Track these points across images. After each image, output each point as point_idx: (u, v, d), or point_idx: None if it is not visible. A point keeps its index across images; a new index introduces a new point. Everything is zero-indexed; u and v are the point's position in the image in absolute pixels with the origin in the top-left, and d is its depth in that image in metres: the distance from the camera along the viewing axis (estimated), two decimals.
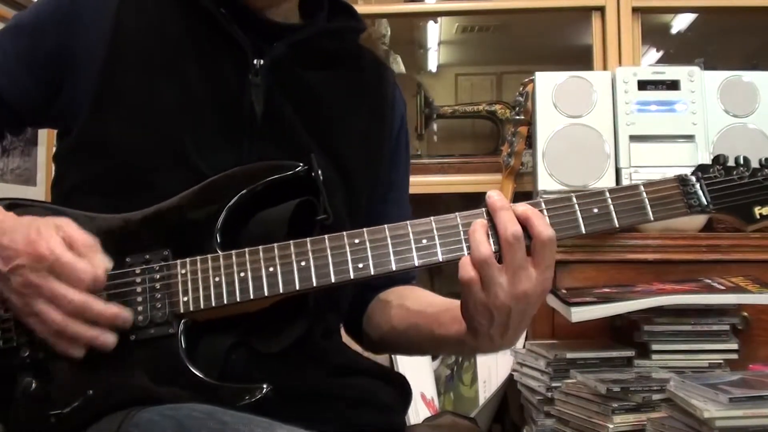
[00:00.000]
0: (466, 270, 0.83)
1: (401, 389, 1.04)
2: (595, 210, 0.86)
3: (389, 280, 1.08)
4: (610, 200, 0.87)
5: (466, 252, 0.86)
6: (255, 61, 0.96)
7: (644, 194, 0.87)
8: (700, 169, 0.90)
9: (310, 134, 0.97)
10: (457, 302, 0.92)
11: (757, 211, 0.89)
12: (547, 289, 0.86)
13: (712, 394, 1.22)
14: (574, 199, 0.87)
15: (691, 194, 0.88)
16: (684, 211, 0.88)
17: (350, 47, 1.08)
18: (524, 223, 0.83)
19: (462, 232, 0.86)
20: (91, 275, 0.81)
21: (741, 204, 0.89)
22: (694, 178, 0.89)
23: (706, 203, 0.89)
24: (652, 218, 0.87)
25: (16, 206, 0.92)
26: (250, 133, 0.95)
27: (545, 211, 0.86)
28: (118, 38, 0.94)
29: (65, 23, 0.95)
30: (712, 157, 0.91)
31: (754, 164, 0.91)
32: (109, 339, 0.82)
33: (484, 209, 0.86)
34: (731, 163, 0.91)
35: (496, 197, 0.85)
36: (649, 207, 0.87)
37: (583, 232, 0.86)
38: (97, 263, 0.83)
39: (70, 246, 0.82)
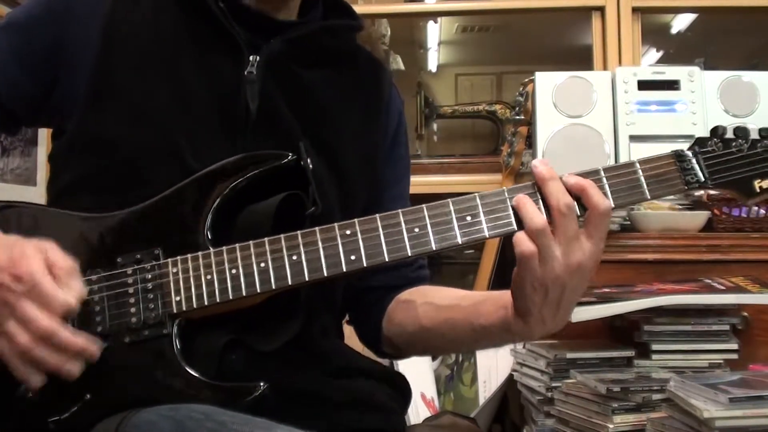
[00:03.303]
0: (525, 243, 0.81)
1: (401, 389, 1.03)
2: None
3: (404, 280, 1.06)
4: (605, 179, 0.84)
5: (459, 239, 0.84)
6: (251, 58, 0.95)
7: (640, 172, 0.85)
8: (698, 142, 0.87)
9: (305, 131, 0.97)
10: (495, 292, 0.91)
11: (757, 184, 0.86)
12: (599, 261, 0.83)
13: (712, 394, 1.22)
14: None
15: (688, 170, 0.85)
16: (681, 188, 0.85)
17: (347, 45, 1.08)
18: (578, 194, 0.82)
19: (455, 219, 0.84)
20: (64, 304, 0.79)
21: (740, 178, 0.86)
22: (690, 153, 0.86)
23: (703, 179, 0.85)
24: (648, 197, 0.85)
25: (6, 208, 0.91)
26: (244, 130, 0.94)
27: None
28: (113, 34, 0.94)
29: (59, 20, 0.94)
30: (710, 129, 0.88)
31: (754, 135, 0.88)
32: (73, 369, 0.80)
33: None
34: (730, 134, 0.87)
35: (542, 167, 0.83)
36: (645, 185, 0.84)
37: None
38: (73, 291, 0.81)
39: (50, 270, 0.80)
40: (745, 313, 1.67)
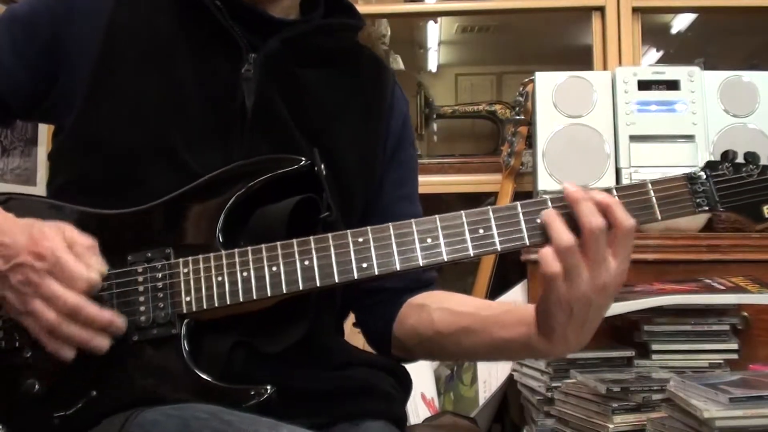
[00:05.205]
0: (550, 263, 0.80)
1: (401, 378, 1.03)
2: None
3: (415, 283, 1.05)
4: (617, 199, 0.84)
5: (471, 252, 0.84)
6: (249, 56, 0.95)
7: (652, 192, 0.85)
8: (709, 166, 0.87)
9: (302, 131, 0.97)
10: (518, 306, 0.91)
11: (766, 210, 0.86)
12: (623, 281, 0.84)
13: (712, 394, 1.23)
14: None
15: (699, 193, 0.86)
16: (691, 210, 0.86)
17: (347, 45, 1.07)
18: (603, 211, 0.81)
19: (467, 231, 0.84)
20: (86, 279, 0.81)
21: (749, 203, 0.86)
22: (703, 176, 0.86)
23: (714, 202, 0.86)
24: (659, 217, 0.85)
25: (13, 199, 0.91)
26: (241, 129, 0.94)
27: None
28: (113, 33, 0.94)
29: (60, 18, 0.94)
30: (720, 153, 0.88)
31: (764, 161, 0.88)
32: (102, 342, 0.82)
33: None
34: (740, 159, 0.88)
35: (573, 189, 0.82)
36: (656, 206, 0.85)
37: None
38: (94, 266, 0.82)
39: (70, 247, 0.82)
40: (745, 313, 1.68)
